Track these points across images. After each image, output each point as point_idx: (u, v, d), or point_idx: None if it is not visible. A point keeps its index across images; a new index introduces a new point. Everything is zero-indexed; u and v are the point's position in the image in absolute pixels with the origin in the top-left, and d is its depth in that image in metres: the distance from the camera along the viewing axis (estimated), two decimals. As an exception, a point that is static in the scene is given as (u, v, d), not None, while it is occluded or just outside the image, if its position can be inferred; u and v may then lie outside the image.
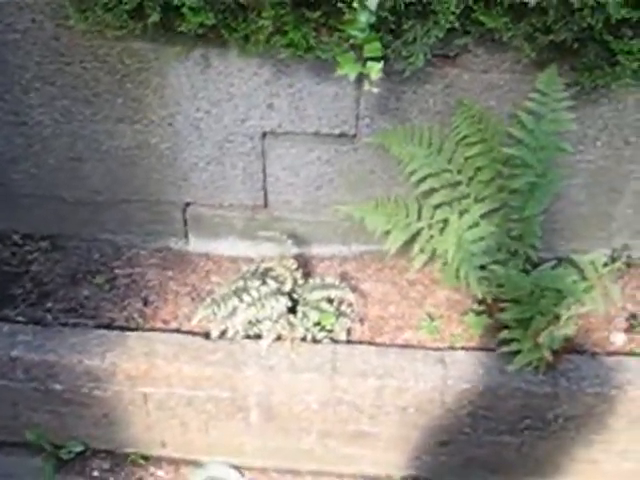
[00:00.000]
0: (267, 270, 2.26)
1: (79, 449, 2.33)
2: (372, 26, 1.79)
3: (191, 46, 2.09)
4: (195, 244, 2.57)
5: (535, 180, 2.08)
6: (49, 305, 2.35)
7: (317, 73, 2.13)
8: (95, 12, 1.96)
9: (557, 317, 2.04)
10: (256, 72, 2.14)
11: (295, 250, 2.31)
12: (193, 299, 2.38)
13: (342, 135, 2.27)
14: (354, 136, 2.27)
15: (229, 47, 2.08)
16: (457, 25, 1.90)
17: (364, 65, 1.85)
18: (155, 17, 1.91)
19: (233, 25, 1.96)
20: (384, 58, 1.88)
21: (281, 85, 2.17)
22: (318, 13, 1.88)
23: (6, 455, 2.36)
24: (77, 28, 2.06)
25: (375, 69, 1.82)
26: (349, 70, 1.85)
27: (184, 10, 1.89)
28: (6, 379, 2.17)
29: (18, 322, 2.27)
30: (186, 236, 2.56)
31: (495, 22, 1.87)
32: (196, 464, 2.36)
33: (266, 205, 2.46)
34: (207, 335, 2.17)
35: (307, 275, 2.38)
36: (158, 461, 2.38)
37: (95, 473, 2.34)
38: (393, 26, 1.90)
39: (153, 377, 2.11)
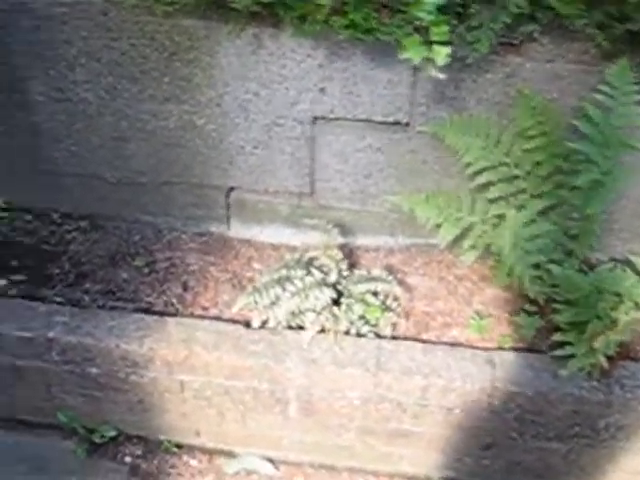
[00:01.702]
0: (311, 259, 2.20)
1: (112, 434, 2.30)
2: (440, 8, 1.71)
3: (243, 25, 2.03)
4: (237, 230, 2.51)
5: (599, 177, 1.99)
6: (87, 286, 2.30)
7: (372, 58, 2.05)
8: (146, -14, 1.91)
9: (614, 322, 1.96)
10: (309, 54, 2.07)
11: (340, 240, 2.24)
12: (234, 286, 2.32)
13: (395, 123, 2.20)
14: (407, 124, 2.20)
15: (283, 27, 2.02)
16: (527, 10, 1.80)
17: (429, 49, 1.76)
18: (209, -8, 1.85)
19: (290, 3, 1.90)
20: (450, 43, 1.80)
21: (335, 69, 2.09)
22: (381, -7, 1.81)
23: (38, 437, 2.32)
24: (126, 3, 2.03)
25: (442, 54, 1.74)
26: (414, 54, 1.77)
27: (239, -15, 1.83)
28: (41, 360, 2.14)
29: (55, 302, 2.22)
30: (228, 221, 2.50)
31: (568, 8, 1.78)
32: (230, 455, 2.32)
33: (312, 192, 2.40)
34: (247, 324, 2.12)
35: (352, 266, 2.31)
36: (191, 450, 2.33)
37: (127, 459, 2.30)
38: (459, 9, 1.82)
39: (191, 365, 2.06)
